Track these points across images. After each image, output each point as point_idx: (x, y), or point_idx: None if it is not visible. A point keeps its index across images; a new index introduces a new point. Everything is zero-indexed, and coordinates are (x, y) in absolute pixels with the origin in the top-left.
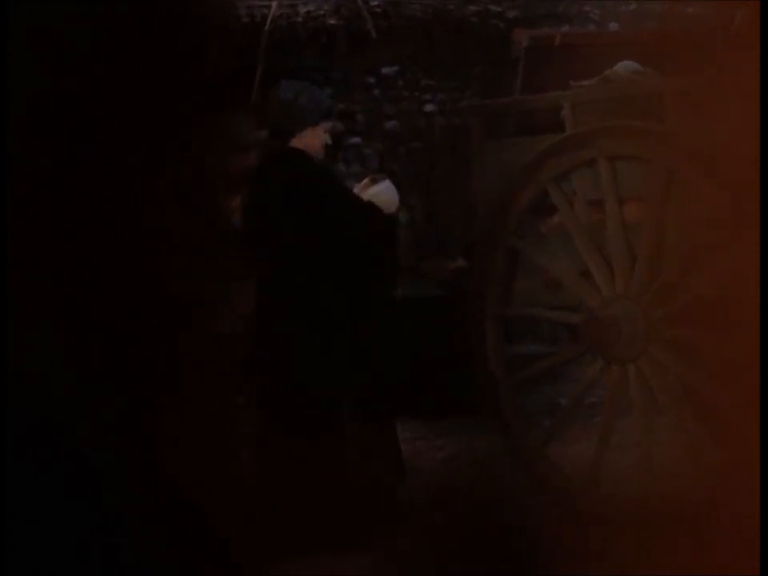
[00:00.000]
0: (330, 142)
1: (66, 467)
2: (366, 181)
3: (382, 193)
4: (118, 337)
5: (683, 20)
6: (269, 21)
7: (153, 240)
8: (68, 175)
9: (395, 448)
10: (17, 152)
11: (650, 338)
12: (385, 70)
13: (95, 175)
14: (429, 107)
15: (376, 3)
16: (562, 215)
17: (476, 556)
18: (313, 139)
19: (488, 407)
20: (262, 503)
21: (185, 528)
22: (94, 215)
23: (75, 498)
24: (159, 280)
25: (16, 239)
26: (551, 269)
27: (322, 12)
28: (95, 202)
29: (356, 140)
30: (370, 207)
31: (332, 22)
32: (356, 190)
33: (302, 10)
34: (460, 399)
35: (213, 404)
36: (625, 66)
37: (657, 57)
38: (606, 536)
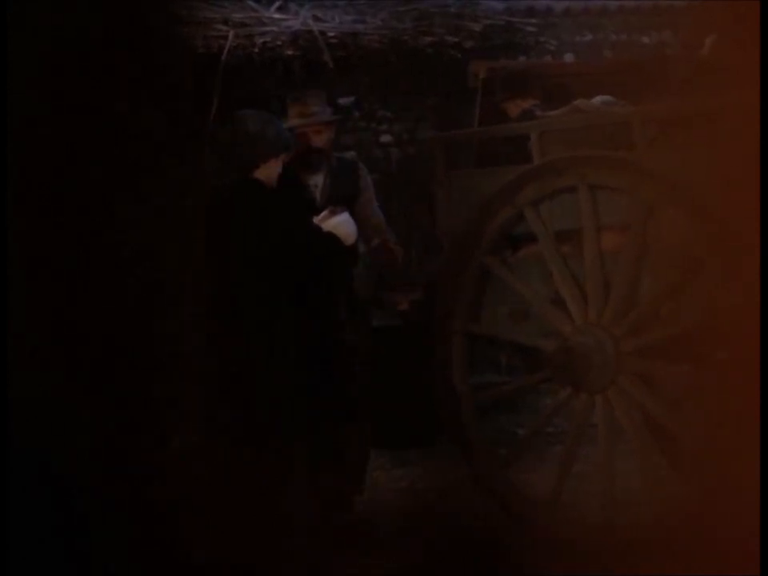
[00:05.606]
0: (280, 171)
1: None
2: (325, 212)
3: (341, 224)
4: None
5: (640, 50)
6: (225, 51)
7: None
8: None
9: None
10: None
11: (620, 369)
12: (341, 101)
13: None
14: (385, 138)
15: (332, 34)
16: (538, 239)
17: None
18: (275, 170)
19: (450, 427)
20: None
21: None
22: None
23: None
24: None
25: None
26: (522, 292)
27: (278, 42)
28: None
29: None
30: (331, 238)
31: (289, 52)
32: (316, 222)
33: (259, 40)
34: (417, 429)
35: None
36: (601, 101)
37: (622, 86)
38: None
